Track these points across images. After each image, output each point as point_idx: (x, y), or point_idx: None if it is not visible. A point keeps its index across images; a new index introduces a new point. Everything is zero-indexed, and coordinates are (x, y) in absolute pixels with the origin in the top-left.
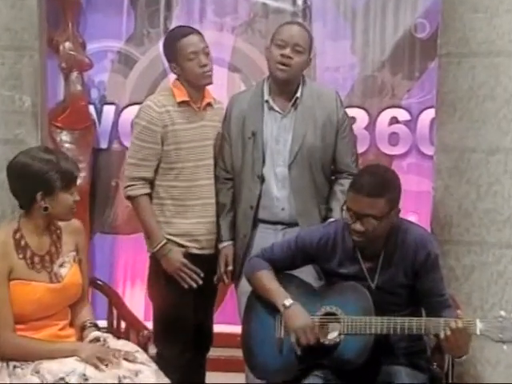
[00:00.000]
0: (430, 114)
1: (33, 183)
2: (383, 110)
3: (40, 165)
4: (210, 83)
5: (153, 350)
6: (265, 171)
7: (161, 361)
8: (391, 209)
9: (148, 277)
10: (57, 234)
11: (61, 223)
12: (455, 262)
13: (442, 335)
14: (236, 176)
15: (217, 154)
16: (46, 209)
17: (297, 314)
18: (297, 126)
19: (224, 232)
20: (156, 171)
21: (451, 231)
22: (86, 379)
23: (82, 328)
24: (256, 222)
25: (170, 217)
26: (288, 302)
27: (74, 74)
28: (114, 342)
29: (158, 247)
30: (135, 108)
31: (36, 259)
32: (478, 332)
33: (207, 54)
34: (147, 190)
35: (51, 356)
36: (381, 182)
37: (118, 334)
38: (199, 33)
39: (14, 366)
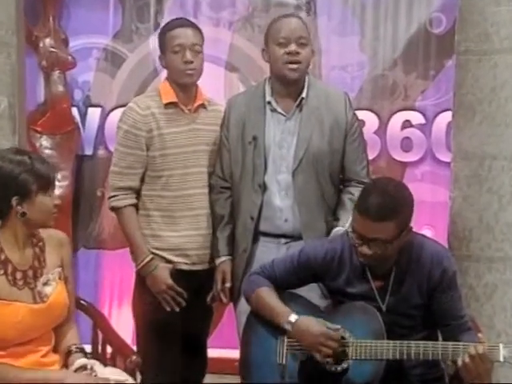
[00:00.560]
0: (446, 117)
1: (6, 188)
2: (395, 112)
3: (11, 166)
4: (192, 83)
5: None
6: (267, 179)
7: None
8: (402, 230)
9: (133, 293)
10: (40, 247)
11: (44, 235)
12: (475, 281)
13: (460, 362)
14: (235, 185)
15: (214, 160)
16: (23, 214)
17: (308, 326)
18: (302, 129)
19: (221, 246)
20: (142, 180)
21: (470, 246)
22: None
23: (68, 353)
24: (257, 235)
25: (157, 229)
26: (293, 317)
27: (56, 74)
28: (101, 370)
29: (143, 263)
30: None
31: (18, 275)
32: (501, 359)
33: (197, 52)
34: (133, 201)
35: None
36: (390, 204)
37: (103, 360)
38: (197, 29)
39: None
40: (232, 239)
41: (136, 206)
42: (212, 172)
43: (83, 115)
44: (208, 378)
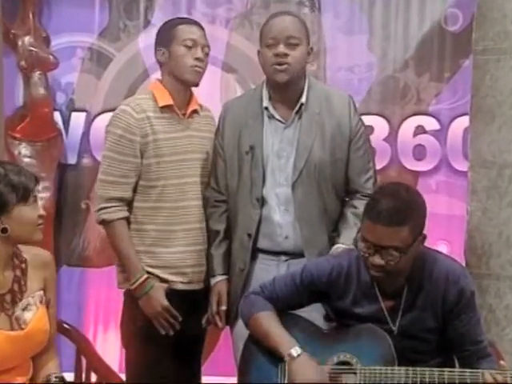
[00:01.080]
0: (463, 122)
1: None
2: (406, 118)
3: None
4: (196, 83)
5: None
6: (265, 192)
7: None
8: (416, 237)
9: (121, 316)
10: (21, 269)
11: (27, 255)
12: (495, 302)
13: None
14: (231, 198)
15: (206, 171)
16: (4, 230)
17: (307, 368)
18: (302, 137)
19: (217, 265)
20: (134, 190)
21: (490, 263)
22: None
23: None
24: (255, 252)
25: (151, 245)
26: (296, 351)
27: (36, 75)
28: None
29: (138, 283)
30: (110, 115)
31: None
32: None
33: (206, 55)
34: (125, 214)
35: None
36: (402, 207)
37: None
38: (204, 32)
39: None
40: (228, 256)
41: (128, 220)
42: (207, 182)
43: (66, 120)
44: None
